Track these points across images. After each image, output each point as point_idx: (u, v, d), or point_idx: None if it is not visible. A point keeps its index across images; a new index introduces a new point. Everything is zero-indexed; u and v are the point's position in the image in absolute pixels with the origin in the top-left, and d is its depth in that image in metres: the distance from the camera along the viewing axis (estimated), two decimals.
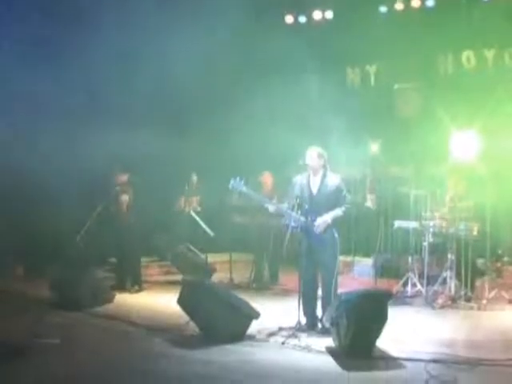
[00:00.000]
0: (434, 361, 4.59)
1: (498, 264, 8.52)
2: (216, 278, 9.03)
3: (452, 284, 6.95)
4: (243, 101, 10.08)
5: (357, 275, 9.60)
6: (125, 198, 7.90)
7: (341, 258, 10.03)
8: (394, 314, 6.13)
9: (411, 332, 5.59)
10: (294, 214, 5.61)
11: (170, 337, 5.43)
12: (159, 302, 7.21)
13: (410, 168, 10.68)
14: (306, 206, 5.71)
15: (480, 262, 7.95)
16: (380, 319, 4.75)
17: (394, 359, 4.71)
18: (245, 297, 7.54)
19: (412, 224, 7.53)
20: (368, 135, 11.00)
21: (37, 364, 4.59)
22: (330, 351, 4.94)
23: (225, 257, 9.35)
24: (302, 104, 10.31)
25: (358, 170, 11.13)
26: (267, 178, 8.77)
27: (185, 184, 10.50)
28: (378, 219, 10.35)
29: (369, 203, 10.52)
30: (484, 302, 6.62)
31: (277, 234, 8.17)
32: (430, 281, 7.25)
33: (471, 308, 6.57)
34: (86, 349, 4.98)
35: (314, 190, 5.78)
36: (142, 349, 5.08)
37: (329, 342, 5.13)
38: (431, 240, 7.20)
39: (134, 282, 7.98)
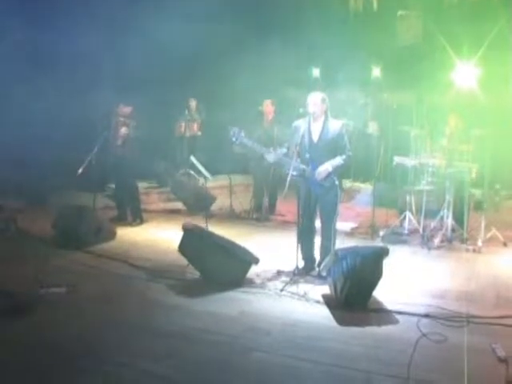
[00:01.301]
0: (426, 316, 4.74)
1: (496, 198, 8.61)
2: (216, 206, 9.17)
3: (449, 224, 7.04)
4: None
5: (356, 204, 9.72)
6: (124, 130, 7.80)
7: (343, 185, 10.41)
8: (391, 255, 6.32)
9: (406, 279, 5.71)
10: (294, 162, 5.55)
11: (170, 283, 5.57)
12: (160, 237, 7.33)
13: (411, 94, 10.60)
14: (307, 155, 5.66)
15: (478, 192, 8.03)
16: (375, 276, 4.84)
17: (388, 312, 4.86)
18: (245, 229, 7.86)
19: (411, 162, 7.48)
20: (370, 60, 10.81)
21: (41, 316, 4.74)
22: (326, 301, 5.08)
23: (224, 181, 9.41)
24: (304, 30, 10.01)
25: (360, 94, 10.99)
26: (268, 107, 8.65)
27: (184, 109, 10.41)
28: (378, 146, 10.37)
29: (370, 130, 10.49)
30: (479, 243, 6.73)
31: (277, 168, 8.18)
32: (428, 220, 7.34)
33: (467, 250, 6.69)
34: (88, 301, 5.09)
35: (315, 137, 5.70)
36: (143, 299, 5.19)
37: (325, 289, 5.29)
38: (429, 179, 7.20)
39: (134, 215, 8.07)
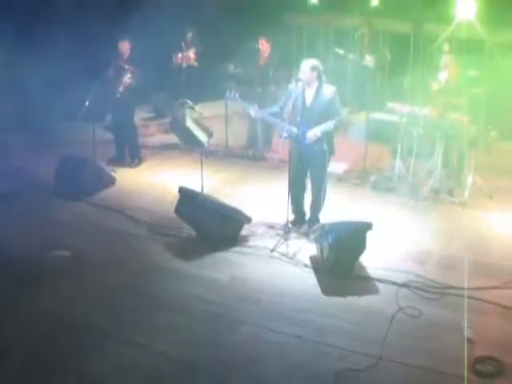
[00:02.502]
0: (405, 285, 5.11)
1: (488, 139, 8.73)
2: (213, 140, 9.28)
3: (438, 175, 7.23)
4: None
5: (351, 135, 9.77)
6: (127, 79, 7.75)
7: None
8: (379, 206, 6.74)
9: (391, 239, 6.01)
10: (286, 125, 5.70)
11: (167, 242, 5.91)
12: (158, 183, 7.58)
13: (408, 23, 10.38)
14: (299, 118, 5.78)
15: (473, 129, 8.17)
16: (359, 248, 5.19)
17: (370, 280, 5.22)
18: (240, 172, 8.04)
19: (405, 110, 7.52)
20: None
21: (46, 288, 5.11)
22: (314, 266, 5.44)
23: (220, 108, 9.39)
24: None
25: (359, 22, 10.73)
26: (264, 45, 8.55)
27: (181, 41, 10.27)
28: (374, 78, 10.36)
29: (367, 62, 10.41)
30: (466, 195, 6.98)
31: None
32: (417, 170, 7.52)
33: (453, 203, 6.94)
34: (90, 268, 5.43)
35: (308, 102, 5.81)
36: (142, 264, 5.54)
37: (313, 248, 5.64)
38: (421, 131, 7.30)
39: (132, 155, 8.26)
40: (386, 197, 7.14)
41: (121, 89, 7.82)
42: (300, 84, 5.77)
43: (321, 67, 5.77)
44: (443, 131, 7.15)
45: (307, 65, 5.70)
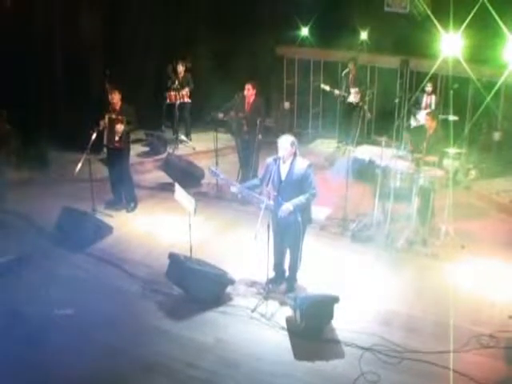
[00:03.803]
0: (368, 349, 5.71)
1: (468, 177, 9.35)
2: (205, 182, 9.86)
3: (413, 224, 7.81)
4: None
5: (335, 172, 10.26)
6: (119, 128, 8.31)
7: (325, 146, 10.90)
8: (355, 258, 7.45)
9: (361, 296, 6.61)
10: (264, 200, 6.26)
11: (159, 301, 6.54)
12: (153, 233, 8.19)
13: (396, 58, 10.92)
14: (275, 192, 6.33)
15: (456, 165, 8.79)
16: (327, 317, 5.90)
17: (337, 344, 5.83)
18: (229, 217, 8.59)
19: (383, 163, 8.08)
20: (356, 23, 11.03)
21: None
22: (289, 327, 6.04)
23: (211, 142, 9.81)
24: None
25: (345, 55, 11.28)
26: (249, 90, 9.08)
27: (173, 76, 10.86)
28: (358, 115, 10.98)
29: (352, 98, 11.01)
30: (438, 245, 7.57)
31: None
32: (395, 216, 8.10)
33: (426, 255, 7.51)
34: (88, 326, 6.03)
35: (283, 176, 6.34)
36: (136, 324, 6.16)
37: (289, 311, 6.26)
38: (397, 185, 7.86)
39: (128, 200, 8.89)
40: (363, 247, 7.75)
41: (116, 138, 8.40)
42: (277, 159, 6.30)
43: (296, 142, 6.33)
44: (418, 185, 7.72)
45: (287, 141, 6.23)
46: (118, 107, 8.40)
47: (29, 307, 6.07)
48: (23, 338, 5.59)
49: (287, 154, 6.25)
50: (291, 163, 6.30)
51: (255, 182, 6.61)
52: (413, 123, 10.35)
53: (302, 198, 6.27)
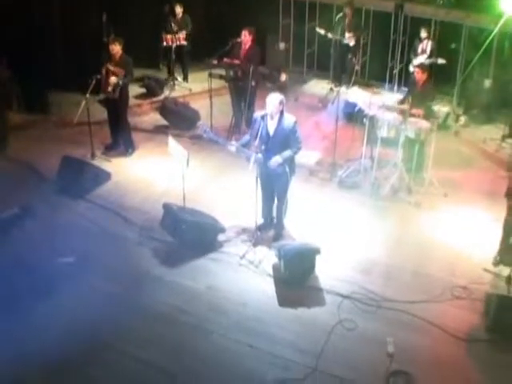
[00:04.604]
0: (347, 297, 6.16)
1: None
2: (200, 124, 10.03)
3: (398, 172, 8.09)
4: None
5: (327, 115, 10.43)
6: (113, 80, 8.46)
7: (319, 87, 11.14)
8: (340, 204, 7.81)
9: (344, 243, 7.03)
10: (253, 153, 6.54)
11: (155, 247, 6.96)
12: (150, 177, 8.53)
13: (391, 3, 10.84)
14: (263, 146, 6.60)
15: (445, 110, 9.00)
16: (309, 268, 6.31)
17: (319, 291, 6.28)
18: (221, 162, 8.84)
19: (371, 112, 8.24)
20: None
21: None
22: (275, 275, 6.48)
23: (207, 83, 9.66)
24: None
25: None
26: (246, 36, 9.15)
27: (171, 17, 10.81)
28: (354, 54, 11.00)
29: (347, 40, 11.01)
30: (422, 193, 7.88)
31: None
32: (382, 162, 8.37)
33: (409, 203, 7.84)
34: (90, 274, 6.48)
35: (271, 132, 6.61)
36: (135, 272, 6.59)
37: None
38: (385, 135, 8.07)
39: (126, 146, 9.16)
40: (349, 193, 8.10)
41: (109, 89, 8.58)
42: (264, 115, 6.55)
43: (284, 101, 6.54)
44: (405, 135, 7.94)
45: (276, 100, 6.46)
46: (117, 58, 8.51)
47: (32, 256, 6.47)
48: (27, 287, 6.03)
49: (275, 110, 6.47)
50: (279, 120, 6.56)
51: (246, 137, 6.88)
52: (411, 69, 10.40)
53: (289, 152, 6.60)
